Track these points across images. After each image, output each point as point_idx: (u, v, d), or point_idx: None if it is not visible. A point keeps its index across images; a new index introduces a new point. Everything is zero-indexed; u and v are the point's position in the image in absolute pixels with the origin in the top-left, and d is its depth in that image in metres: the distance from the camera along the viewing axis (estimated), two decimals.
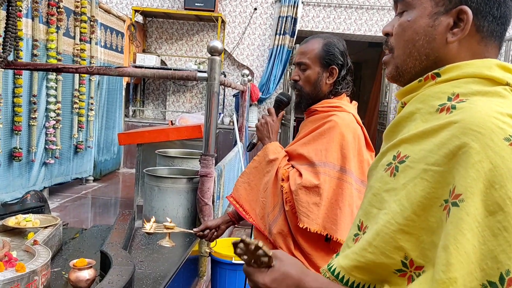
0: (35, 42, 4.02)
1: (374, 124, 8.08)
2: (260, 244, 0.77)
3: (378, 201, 0.76)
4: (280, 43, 6.85)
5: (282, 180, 1.56)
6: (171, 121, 4.69)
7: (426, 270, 0.67)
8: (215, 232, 1.89)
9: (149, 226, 1.85)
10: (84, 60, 5.09)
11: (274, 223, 1.55)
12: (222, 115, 7.16)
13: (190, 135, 4.06)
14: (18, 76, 3.79)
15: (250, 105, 6.71)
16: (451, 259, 0.61)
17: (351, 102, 1.68)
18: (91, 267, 1.93)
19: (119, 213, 2.82)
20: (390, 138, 0.81)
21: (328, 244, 1.56)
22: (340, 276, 0.77)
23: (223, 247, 3.22)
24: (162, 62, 7.24)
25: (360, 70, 10.29)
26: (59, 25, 4.45)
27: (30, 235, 2.20)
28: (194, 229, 1.89)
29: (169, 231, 1.85)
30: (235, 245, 0.79)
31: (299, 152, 1.58)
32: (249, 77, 5.85)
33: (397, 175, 0.73)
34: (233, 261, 3.03)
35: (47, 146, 4.43)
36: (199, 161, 2.97)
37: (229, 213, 1.93)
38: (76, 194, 5.18)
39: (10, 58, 3.46)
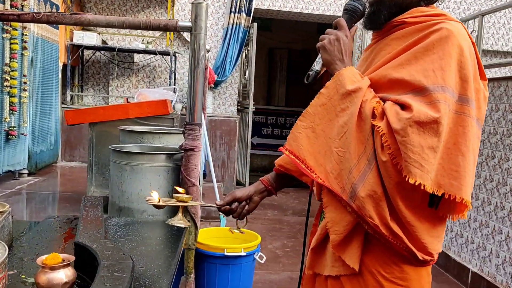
0: None
1: None
2: None
3: None
4: (235, 21, 6.35)
5: (373, 118, 1.08)
6: (127, 99, 4.04)
7: None
8: (246, 206, 1.37)
9: (157, 197, 1.29)
10: (16, 30, 4.29)
11: (361, 182, 1.07)
12: (174, 101, 6.53)
13: (154, 111, 3.46)
14: None
15: None
16: None
17: None
18: (68, 265, 1.33)
19: (84, 200, 2.20)
20: None
21: (434, 211, 1.10)
22: None
23: (211, 237, 2.68)
24: (103, 41, 6.46)
25: (309, 58, 10.04)
26: None
27: None
28: (217, 203, 1.36)
29: (183, 204, 1.31)
30: None
31: (394, 77, 1.10)
32: (208, 54, 5.30)
33: None
34: (226, 254, 2.50)
35: None
36: (183, 132, 2.41)
37: (263, 180, 1.42)
38: (9, 190, 4.36)
39: None
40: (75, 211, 3.77)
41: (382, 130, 1.05)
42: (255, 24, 6.37)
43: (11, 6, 4.21)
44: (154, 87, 6.65)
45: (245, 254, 2.53)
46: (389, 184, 1.06)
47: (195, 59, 2.38)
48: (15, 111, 4.44)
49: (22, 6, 4.45)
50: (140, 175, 2.39)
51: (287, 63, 10.04)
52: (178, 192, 1.39)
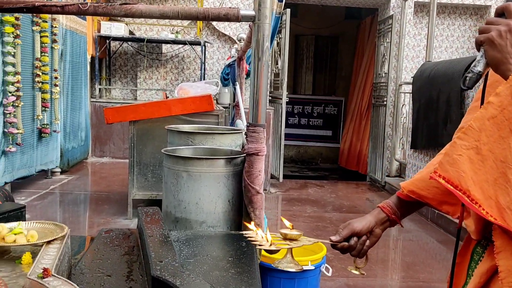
0: None
1: (367, 98, 7.50)
2: None
3: None
4: None
5: None
6: (165, 93, 3.81)
7: None
8: (367, 241, 1.12)
9: (265, 238, 1.05)
10: (46, 22, 4.07)
11: None
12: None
13: (198, 108, 3.22)
14: None
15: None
16: None
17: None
18: None
19: (142, 213, 1.98)
20: None
21: None
22: None
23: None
24: (130, 32, 6.23)
25: (336, 44, 9.68)
26: None
27: (25, 258, 1.34)
28: (332, 238, 1.11)
29: (294, 245, 1.07)
30: None
31: None
32: (240, 44, 5.05)
33: None
34: None
35: (6, 130, 3.43)
36: (245, 134, 2.17)
37: (383, 207, 1.16)
38: (44, 190, 4.19)
39: None
40: (116, 214, 3.58)
41: None
42: (288, 10, 6.07)
43: None
44: (183, 79, 6.42)
45: (313, 267, 2.29)
46: None
47: (259, 51, 2.12)
48: (47, 107, 4.25)
49: None
50: (199, 182, 2.16)
51: (313, 50, 9.71)
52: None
